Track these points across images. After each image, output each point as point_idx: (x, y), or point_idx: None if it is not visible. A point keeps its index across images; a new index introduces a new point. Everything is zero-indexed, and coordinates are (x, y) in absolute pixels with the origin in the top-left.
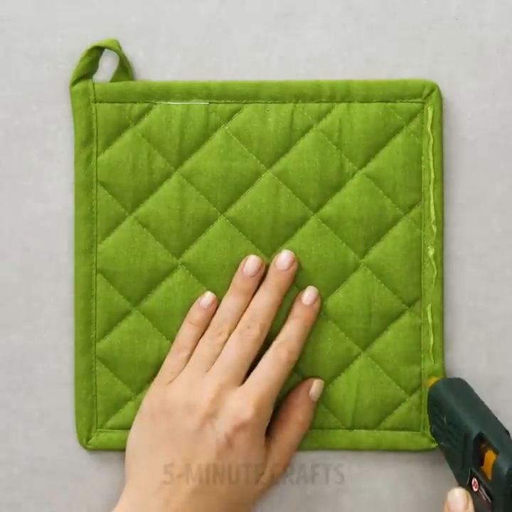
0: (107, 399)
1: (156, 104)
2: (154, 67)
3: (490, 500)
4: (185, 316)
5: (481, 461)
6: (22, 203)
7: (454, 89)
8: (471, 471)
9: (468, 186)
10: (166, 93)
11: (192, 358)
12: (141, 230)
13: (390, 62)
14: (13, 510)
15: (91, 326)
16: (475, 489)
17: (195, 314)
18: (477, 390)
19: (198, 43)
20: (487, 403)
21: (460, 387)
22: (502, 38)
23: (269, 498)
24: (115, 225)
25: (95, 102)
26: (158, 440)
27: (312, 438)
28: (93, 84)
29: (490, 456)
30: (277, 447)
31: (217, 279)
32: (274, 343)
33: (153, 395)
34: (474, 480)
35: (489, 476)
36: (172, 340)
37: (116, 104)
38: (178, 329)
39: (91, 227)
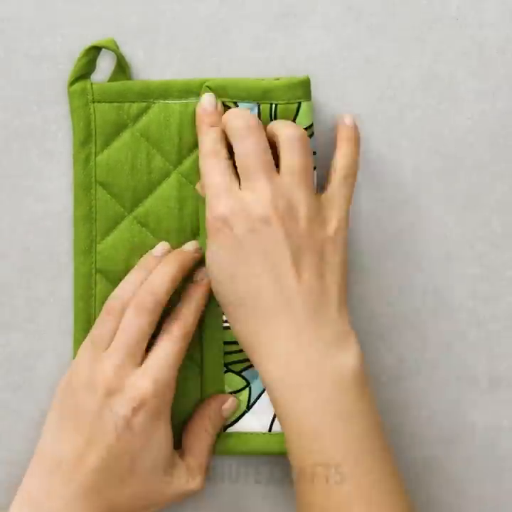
0: None
1: (154, 103)
2: (154, 67)
3: None
4: None
5: None
6: (22, 203)
7: (454, 89)
8: None
9: (468, 186)
10: (164, 92)
11: (89, 336)
12: (141, 229)
13: (390, 62)
14: None
15: (90, 326)
16: None
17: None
18: (477, 390)
19: (198, 43)
20: (487, 403)
21: None
22: (502, 38)
23: (269, 498)
24: (114, 225)
25: (93, 102)
26: (64, 417)
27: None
28: (91, 84)
29: None
30: (190, 454)
31: None
32: (167, 320)
33: (65, 376)
34: None
35: None
36: None
37: (115, 104)
38: None
39: (90, 227)
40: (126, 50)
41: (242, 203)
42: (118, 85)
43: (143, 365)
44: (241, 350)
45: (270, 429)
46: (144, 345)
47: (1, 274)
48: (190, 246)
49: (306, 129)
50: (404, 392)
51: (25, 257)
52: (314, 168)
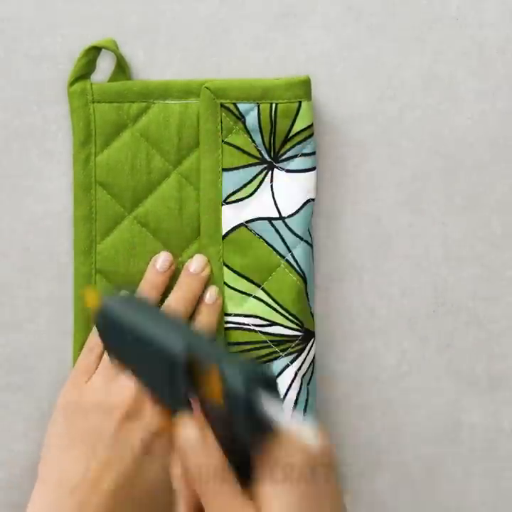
0: None
1: (154, 103)
2: (154, 67)
3: (222, 417)
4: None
5: (197, 382)
6: (22, 203)
7: (454, 89)
8: (185, 395)
9: (468, 186)
10: (163, 92)
11: (104, 360)
12: (141, 229)
13: (390, 62)
14: (13, 510)
15: (90, 326)
16: (201, 416)
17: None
18: (477, 390)
19: (198, 43)
20: (487, 403)
21: (133, 304)
22: (502, 38)
23: None
24: (114, 225)
25: (93, 102)
26: (74, 441)
27: None
28: (91, 84)
29: (211, 375)
30: None
31: None
32: None
33: (68, 396)
34: (193, 402)
35: (216, 395)
36: None
37: (114, 104)
38: None
39: (90, 227)
40: (126, 50)
41: None
42: (118, 85)
43: None
44: (241, 351)
45: None
46: None
47: (1, 274)
48: (197, 265)
49: (305, 129)
50: (404, 392)
51: (25, 257)
52: (314, 169)
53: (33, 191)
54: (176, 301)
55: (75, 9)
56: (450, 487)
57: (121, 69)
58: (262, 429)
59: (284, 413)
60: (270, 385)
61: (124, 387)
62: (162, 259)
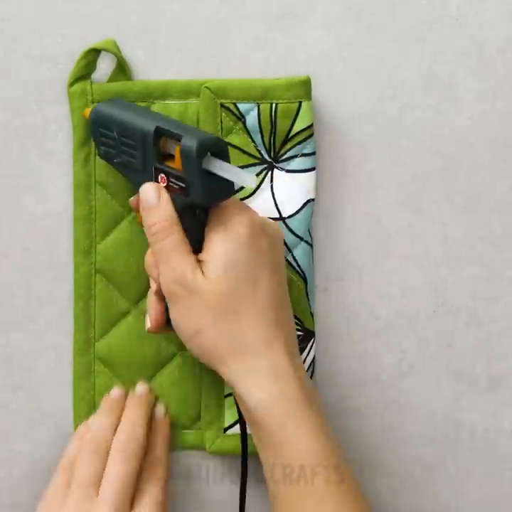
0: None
1: (153, 103)
2: (154, 67)
3: (183, 185)
4: None
5: (163, 155)
6: (22, 203)
7: (454, 89)
8: (155, 168)
9: (468, 186)
10: (163, 92)
11: (75, 482)
12: (140, 229)
13: (390, 62)
14: (13, 510)
15: (90, 326)
16: (164, 184)
17: (84, 431)
18: (477, 390)
19: (198, 43)
20: (487, 403)
21: (123, 103)
22: (502, 38)
23: (268, 498)
24: (114, 225)
25: (93, 103)
26: None
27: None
28: (91, 84)
29: (173, 145)
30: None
31: None
32: (145, 464)
33: None
34: (161, 175)
35: (177, 164)
36: (171, 339)
37: None
38: None
39: (90, 227)
40: (126, 51)
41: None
42: (118, 86)
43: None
44: None
45: None
46: (133, 489)
47: (1, 274)
48: (142, 390)
49: (305, 129)
50: (404, 392)
51: (25, 257)
52: (313, 169)
53: (33, 191)
54: (136, 421)
55: (75, 9)
56: (450, 487)
57: (122, 69)
58: (215, 194)
59: (230, 171)
60: (221, 150)
61: None
62: (116, 390)
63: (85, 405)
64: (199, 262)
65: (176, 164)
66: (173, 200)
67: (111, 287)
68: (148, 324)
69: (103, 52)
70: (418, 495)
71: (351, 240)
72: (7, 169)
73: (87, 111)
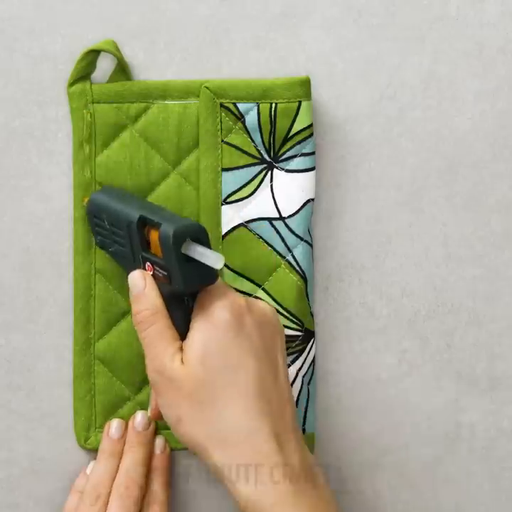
0: (106, 399)
1: (153, 103)
2: (154, 68)
3: (166, 273)
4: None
5: (148, 243)
6: (22, 203)
7: (454, 89)
8: (142, 257)
9: (468, 186)
10: (163, 92)
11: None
12: None
13: (390, 62)
14: (13, 510)
15: (90, 326)
16: (150, 272)
17: (82, 482)
18: (477, 390)
19: (198, 43)
20: (487, 403)
21: (114, 191)
22: (502, 38)
23: None
24: None
25: (93, 103)
26: None
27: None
28: (90, 85)
29: (154, 233)
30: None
31: None
32: (145, 501)
33: None
34: (148, 264)
35: (159, 252)
36: None
37: (114, 105)
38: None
39: (89, 227)
40: (126, 51)
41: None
42: (117, 86)
43: None
44: None
45: None
46: None
47: (1, 274)
48: (141, 422)
49: (305, 128)
50: (404, 392)
51: (25, 257)
52: (313, 169)
53: (33, 191)
54: (135, 463)
55: (75, 9)
56: (450, 487)
57: (122, 69)
58: (196, 281)
59: (210, 256)
60: (199, 236)
61: None
62: (115, 426)
63: (85, 405)
64: (182, 349)
65: (158, 252)
66: (160, 287)
67: (111, 287)
68: (148, 413)
69: (103, 52)
70: (418, 495)
71: (351, 240)
72: (7, 169)
73: (85, 199)
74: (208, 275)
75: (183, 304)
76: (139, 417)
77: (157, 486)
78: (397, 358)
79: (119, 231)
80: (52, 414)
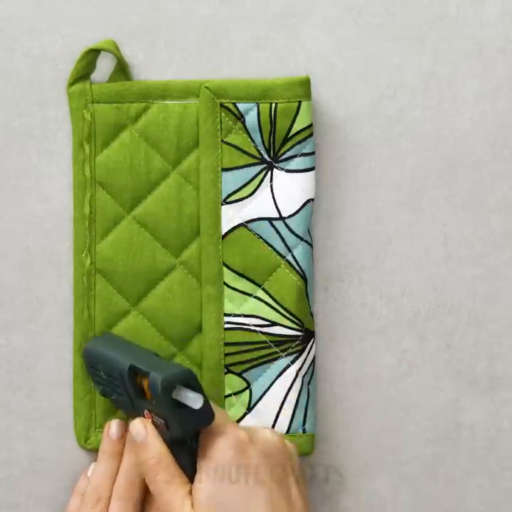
0: (106, 399)
1: (153, 103)
2: (154, 68)
3: (163, 422)
4: (184, 317)
5: (143, 391)
6: (22, 203)
7: (454, 89)
8: (139, 405)
9: (468, 186)
10: (163, 92)
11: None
12: (140, 229)
13: (390, 62)
14: (13, 510)
15: (90, 326)
16: (149, 420)
17: (84, 484)
18: (477, 390)
19: (198, 43)
20: (487, 403)
21: (108, 339)
22: (502, 38)
23: None
24: (113, 225)
25: (92, 103)
26: None
27: None
28: (91, 85)
29: (146, 382)
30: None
31: None
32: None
33: None
34: (145, 412)
35: (153, 400)
36: (171, 339)
37: (114, 105)
38: (177, 329)
39: (90, 227)
40: (126, 51)
41: None
42: (117, 86)
43: None
44: (242, 352)
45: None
46: None
47: (1, 274)
48: (139, 431)
49: (305, 128)
50: (404, 392)
51: (25, 257)
52: (313, 169)
53: (33, 191)
54: (132, 466)
55: (75, 9)
56: (450, 487)
57: (121, 69)
58: (192, 424)
59: (202, 402)
60: (189, 382)
61: None
62: (114, 427)
63: (85, 405)
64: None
65: (152, 399)
66: (161, 433)
67: (110, 287)
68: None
69: (103, 52)
70: (418, 495)
71: (351, 240)
72: (7, 169)
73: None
74: (204, 417)
75: (186, 446)
76: (131, 424)
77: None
78: (397, 358)
79: (114, 381)
80: (52, 414)
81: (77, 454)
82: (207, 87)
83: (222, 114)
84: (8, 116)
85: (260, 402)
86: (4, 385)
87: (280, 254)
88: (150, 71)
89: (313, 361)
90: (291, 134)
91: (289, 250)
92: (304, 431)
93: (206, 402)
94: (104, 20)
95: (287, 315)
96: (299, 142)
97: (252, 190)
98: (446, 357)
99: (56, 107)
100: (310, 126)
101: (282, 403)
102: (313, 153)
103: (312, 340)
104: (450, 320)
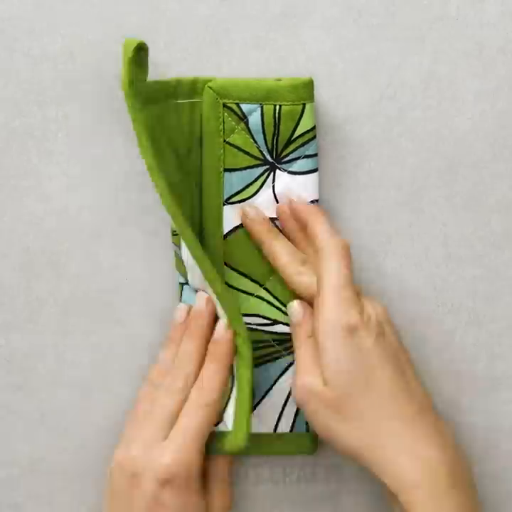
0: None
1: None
2: (154, 67)
3: None
4: None
5: None
6: (22, 203)
7: (454, 89)
8: None
9: (468, 186)
10: (174, 89)
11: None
12: None
13: (390, 62)
14: (13, 510)
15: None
16: None
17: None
18: (477, 390)
19: (198, 43)
20: (487, 403)
21: None
22: (502, 38)
23: (269, 498)
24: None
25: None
26: (106, 500)
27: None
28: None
29: None
30: (216, 488)
31: None
32: (192, 390)
33: (116, 455)
34: None
35: None
36: None
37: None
38: None
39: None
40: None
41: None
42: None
43: (167, 439)
44: None
45: (275, 430)
46: (174, 420)
47: (1, 274)
48: (202, 304)
49: (308, 131)
50: None
51: (25, 257)
52: (316, 171)
53: (33, 191)
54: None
55: (75, 9)
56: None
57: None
58: None
59: None
60: None
61: (137, 443)
62: (180, 311)
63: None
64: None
65: None
66: None
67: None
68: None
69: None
70: None
71: (351, 240)
72: (7, 169)
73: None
74: None
75: None
76: (200, 301)
77: (206, 374)
78: None
79: None
80: (52, 414)
81: (78, 454)
82: (210, 87)
83: (225, 114)
84: (8, 116)
85: (263, 400)
86: (4, 385)
87: None
88: (150, 71)
89: None
90: (294, 136)
91: None
92: (307, 430)
93: None
94: (104, 20)
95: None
96: (303, 144)
97: (255, 191)
98: (446, 357)
99: (56, 107)
100: (313, 128)
101: (285, 401)
102: (315, 155)
103: None
104: (450, 320)
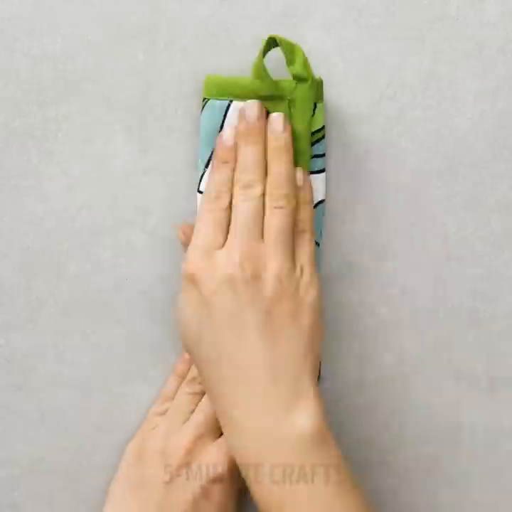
0: None
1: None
2: (154, 67)
3: None
4: None
5: None
6: (22, 203)
7: (454, 89)
8: None
9: (468, 186)
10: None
11: (171, 407)
12: None
13: (390, 62)
14: (13, 510)
15: None
16: None
17: (180, 366)
18: (477, 390)
19: (198, 43)
20: (487, 403)
21: None
22: (502, 38)
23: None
24: None
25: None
26: (132, 487)
27: None
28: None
29: None
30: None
31: None
32: None
33: (134, 442)
34: None
35: None
36: None
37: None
38: None
39: None
40: (126, 51)
41: (214, 262)
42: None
43: (221, 440)
44: None
45: None
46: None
47: (1, 274)
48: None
49: (318, 130)
50: (404, 392)
51: (25, 257)
52: (323, 171)
53: (33, 191)
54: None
55: (75, 9)
56: (450, 487)
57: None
58: None
59: None
60: None
61: (183, 437)
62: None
63: None
64: None
65: None
66: None
67: None
68: None
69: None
70: (418, 495)
71: (351, 240)
72: (7, 169)
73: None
74: None
75: None
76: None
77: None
78: (397, 358)
79: None
80: (52, 414)
81: (78, 454)
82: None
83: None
84: (8, 116)
85: None
86: (4, 385)
87: None
88: (150, 71)
89: None
90: None
91: None
92: None
93: None
94: (104, 20)
95: None
96: (313, 144)
97: None
98: (446, 357)
99: (56, 107)
100: (323, 128)
101: None
102: (324, 155)
103: None
104: (450, 320)
